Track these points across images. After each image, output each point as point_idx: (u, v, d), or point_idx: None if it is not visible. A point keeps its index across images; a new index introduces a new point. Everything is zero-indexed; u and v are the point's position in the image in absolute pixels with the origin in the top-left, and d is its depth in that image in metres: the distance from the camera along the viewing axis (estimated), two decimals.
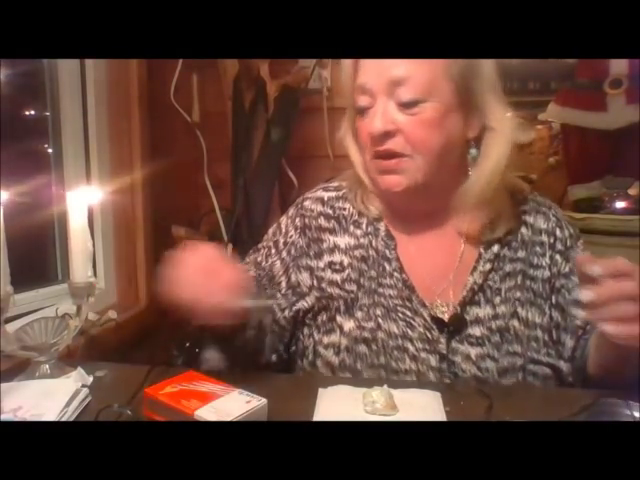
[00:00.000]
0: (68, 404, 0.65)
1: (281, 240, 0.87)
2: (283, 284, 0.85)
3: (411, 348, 0.76)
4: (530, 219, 0.82)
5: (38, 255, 1.44)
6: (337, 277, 0.82)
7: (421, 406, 0.65)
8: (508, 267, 0.79)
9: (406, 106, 0.72)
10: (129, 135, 1.57)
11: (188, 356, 0.93)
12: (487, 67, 0.75)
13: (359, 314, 0.79)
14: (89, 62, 1.45)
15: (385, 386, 0.66)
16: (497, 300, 0.77)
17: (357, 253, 0.81)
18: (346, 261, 0.82)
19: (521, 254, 0.80)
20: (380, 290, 0.79)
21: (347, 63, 0.76)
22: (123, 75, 1.54)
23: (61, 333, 0.78)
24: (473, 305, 0.77)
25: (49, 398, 0.65)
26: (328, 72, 1.86)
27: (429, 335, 0.76)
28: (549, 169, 2.11)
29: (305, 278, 0.83)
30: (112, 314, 1.41)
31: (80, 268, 0.77)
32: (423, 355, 0.76)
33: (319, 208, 0.85)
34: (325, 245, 0.83)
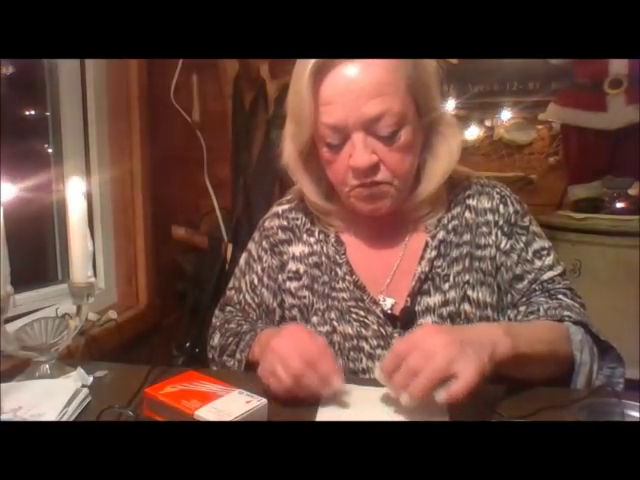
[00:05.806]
0: (68, 404, 0.65)
1: (258, 268, 0.89)
2: (277, 309, 0.87)
3: (366, 347, 0.77)
4: (473, 202, 0.82)
5: (38, 255, 1.44)
6: (293, 285, 0.84)
7: (421, 406, 0.65)
8: (455, 252, 0.79)
9: (386, 139, 0.71)
10: (129, 135, 1.57)
11: (188, 356, 0.94)
12: (432, 70, 0.74)
13: (314, 319, 0.81)
14: (89, 62, 1.45)
15: None
16: (446, 286, 0.78)
17: (311, 260, 0.84)
18: (302, 269, 0.84)
19: (467, 237, 0.80)
20: (333, 294, 0.81)
21: (305, 105, 0.71)
22: (123, 75, 1.54)
23: (61, 333, 0.78)
24: (423, 295, 0.78)
25: (49, 398, 0.65)
26: None
27: (383, 331, 0.77)
28: (549, 169, 2.11)
29: (271, 296, 0.87)
30: (112, 314, 1.42)
31: (80, 268, 0.77)
32: (378, 352, 0.77)
33: (276, 223, 0.89)
34: (285, 257, 0.86)
